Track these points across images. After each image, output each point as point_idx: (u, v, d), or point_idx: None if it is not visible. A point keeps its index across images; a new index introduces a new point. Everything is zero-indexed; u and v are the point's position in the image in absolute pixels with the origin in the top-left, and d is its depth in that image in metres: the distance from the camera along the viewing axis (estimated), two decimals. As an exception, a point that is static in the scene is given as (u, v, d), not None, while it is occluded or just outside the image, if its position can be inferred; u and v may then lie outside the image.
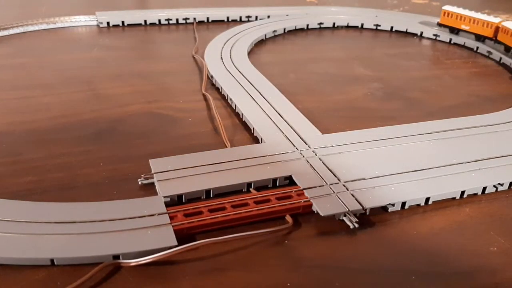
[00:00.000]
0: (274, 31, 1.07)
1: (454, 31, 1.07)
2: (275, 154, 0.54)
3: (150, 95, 0.73)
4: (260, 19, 1.16)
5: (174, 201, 0.47)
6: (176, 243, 0.40)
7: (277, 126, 0.60)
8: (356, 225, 0.44)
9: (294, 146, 0.56)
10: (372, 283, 0.39)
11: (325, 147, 0.55)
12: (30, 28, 1.03)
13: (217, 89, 0.75)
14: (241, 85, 0.73)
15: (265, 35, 1.04)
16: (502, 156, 0.55)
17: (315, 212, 0.46)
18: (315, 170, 0.51)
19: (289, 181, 0.50)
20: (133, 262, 0.39)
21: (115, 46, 0.96)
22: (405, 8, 1.38)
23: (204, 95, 0.73)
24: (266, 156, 0.53)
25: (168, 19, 1.12)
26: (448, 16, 1.07)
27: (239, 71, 0.79)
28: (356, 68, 0.89)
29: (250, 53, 0.93)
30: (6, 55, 0.89)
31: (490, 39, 1.00)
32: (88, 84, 0.76)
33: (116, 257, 0.39)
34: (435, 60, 0.97)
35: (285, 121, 0.62)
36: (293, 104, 0.67)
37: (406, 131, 0.60)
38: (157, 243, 0.40)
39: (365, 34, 1.13)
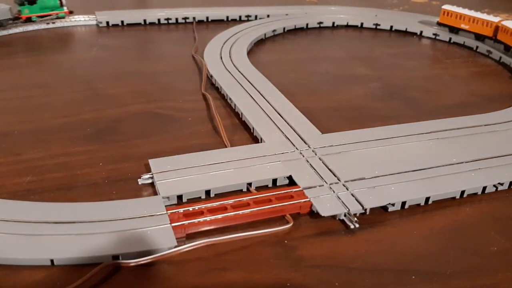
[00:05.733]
0: (274, 30, 1.07)
1: (454, 30, 1.07)
2: (275, 154, 0.54)
3: (150, 94, 0.73)
4: (260, 18, 1.16)
5: (174, 201, 0.47)
6: (175, 243, 0.40)
7: (277, 125, 0.60)
8: (356, 225, 0.44)
9: (294, 145, 0.56)
10: (372, 283, 0.39)
11: (325, 146, 0.55)
12: (30, 28, 1.03)
13: (217, 89, 0.75)
14: (241, 85, 0.73)
15: (265, 35, 1.04)
16: (502, 156, 0.55)
17: (315, 212, 0.46)
18: (315, 170, 0.51)
19: (289, 181, 0.50)
20: (133, 262, 0.39)
21: (115, 46, 0.96)
22: (405, 7, 1.38)
23: (203, 95, 0.73)
24: (266, 156, 0.53)
25: (167, 19, 1.12)
26: (447, 15, 1.07)
27: (239, 71, 0.79)
28: (356, 67, 0.89)
29: (249, 52, 0.93)
30: (6, 54, 0.89)
31: (490, 38, 1.00)
32: (88, 84, 0.76)
33: (116, 257, 0.39)
34: (435, 60, 0.97)
35: (285, 120, 0.62)
36: (293, 104, 0.67)
37: (406, 130, 0.60)
38: (157, 243, 0.40)
39: (365, 33, 1.13)
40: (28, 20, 1.04)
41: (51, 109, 0.67)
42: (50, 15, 1.05)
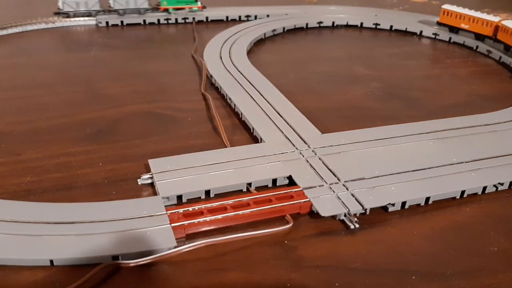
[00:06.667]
0: (274, 30, 1.07)
1: (454, 30, 1.07)
2: (275, 154, 0.53)
3: (149, 95, 0.73)
4: (259, 18, 1.16)
5: (174, 201, 0.47)
6: (175, 244, 0.40)
7: (277, 125, 0.60)
8: (356, 225, 0.44)
9: (294, 145, 0.55)
10: (372, 283, 0.39)
11: (324, 146, 0.55)
12: (29, 28, 1.03)
13: (217, 89, 0.75)
14: (241, 85, 0.73)
15: (265, 34, 1.04)
16: (502, 156, 0.55)
17: (315, 212, 0.45)
18: (315, 170, 0.51)
19: (289, 181, 0.50)
20: (133, 262, 0.39)
21: (114, 46, 0.96)
22: (405, 7, 1.38)
23: (203, 95, 0.73)
24: (265, 156, 0.53)
25: (167, 19, 1.12)
26: (447, 15, 1.07)
27: (239, 71, 0.79)
28: (355, 67, 0.89)
29: (249, 52, 0.93)
30: (5, 54, 0.89)
31: (490, 38, 1.00)
32: (87, 84, 0.76)
33: (116, 257, 0.39)
34: (435, 59, 0.97)
35: (285, 120, 0.62)
36: (293, 104, 0.67)
37: (406, 130, 0.60)
38: (157, 243, 0.40)
39: (365, 33, 1.13)
40: (165, 11, 1.11)
41: (50, 109, 0.67)
42: (184, 8, 1.12)
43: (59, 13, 1.08)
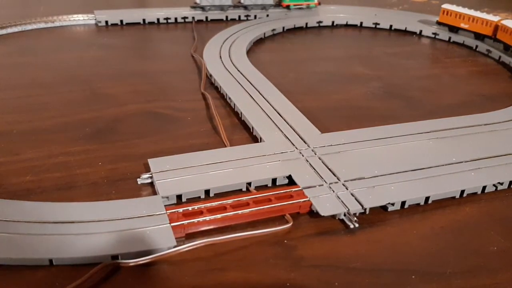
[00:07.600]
0: (273, 30, 1.07)
1: (454, 29, 1.07)
2: (275, 154, 0.53)
3: (149, 94, 0.73)
4: (259, 18, 1.16)
5: (173, 201, 0.46)
6: (175, 243, 0.40)
7: (276, 125, 0.60)
8: (356, 225, 0.44)
9: (294, 145, 0.55)
10: (372, 283, 0.39)
11: (324, 146, 0.55)
12: (29, 27, 1.03)
13: (216, 88, 0.75)
14: (240, 84, 0.73)
15: (264, 34, 1.04)
16: (502, 155, 0.55)
17: (315, 211, 0.45)
18: (314, 169, 0.51)
19: (289, 180, 0.50)
20: (132, 262, 0.39)
21: (114, 45, 0.95)
22: (404, 6, 1.38)
23: (203, 94, 0.73)
24: (265, 155, 0.53)
25: (166, 18, 1.12)
26: (447, 14, 1.07)
27: (238, 70, 0.79)
28: (355, 67, 0.89)
29: (249, 52, 0.93)
30: (4, 54, 0.89)
31: (490, 37, 1.00)
32: (87, 83, 0.76)
33: (115, 257, 0.39)
34: (435, 59, 0.97)
35: (284, 120, 0.62)
36: (292, 103, 0.67)
37: (405, 130, 0.60)
38: (156, 243, 0.40)
39: (364, 32, 1.13)
40: (287, 8, 1.17)
41: (50, 108, 0.67)
42: (302, 5, 1.17)
43: (195, 7, 1.13)
